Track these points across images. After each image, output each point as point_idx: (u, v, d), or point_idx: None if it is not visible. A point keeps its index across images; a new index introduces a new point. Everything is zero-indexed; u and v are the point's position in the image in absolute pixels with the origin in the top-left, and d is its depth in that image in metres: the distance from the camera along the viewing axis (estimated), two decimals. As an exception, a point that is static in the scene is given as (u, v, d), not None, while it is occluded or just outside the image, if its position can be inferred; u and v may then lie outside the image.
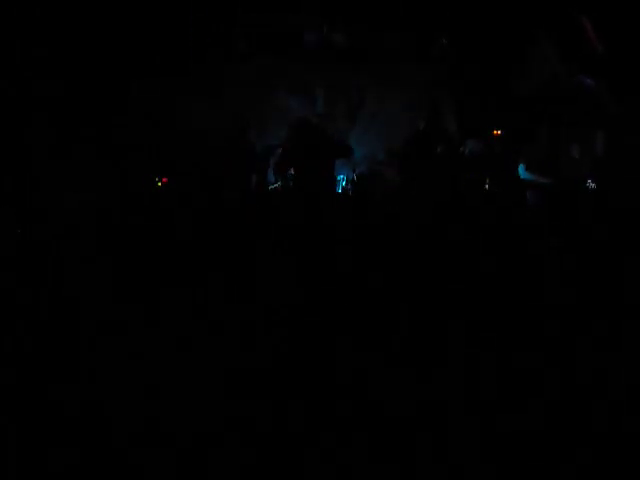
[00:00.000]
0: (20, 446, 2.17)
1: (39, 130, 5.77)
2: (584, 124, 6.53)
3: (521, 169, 5.55)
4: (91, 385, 2.62)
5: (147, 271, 4.11)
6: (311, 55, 7.35)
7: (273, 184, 6.27)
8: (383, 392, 2.56)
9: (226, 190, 5.59)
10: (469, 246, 4.65)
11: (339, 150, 5.55)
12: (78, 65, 6.16)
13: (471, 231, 4.99)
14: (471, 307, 3.53)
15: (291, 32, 7.13)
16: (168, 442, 2.21)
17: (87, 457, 2.12)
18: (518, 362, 2.83)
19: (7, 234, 4.68)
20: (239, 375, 2.68)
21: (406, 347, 3.02)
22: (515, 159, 5.75)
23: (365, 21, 7.01)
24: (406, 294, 3.77)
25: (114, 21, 6.03)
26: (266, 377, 2.68)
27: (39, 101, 5.89)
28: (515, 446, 2.17)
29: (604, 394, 2.50)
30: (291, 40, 7.17)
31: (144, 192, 5.81)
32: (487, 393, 2.55)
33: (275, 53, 7.35)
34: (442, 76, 7.30)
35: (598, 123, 6.43)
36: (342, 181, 6.92)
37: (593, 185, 5.69)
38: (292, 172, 5.68)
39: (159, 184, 6.30)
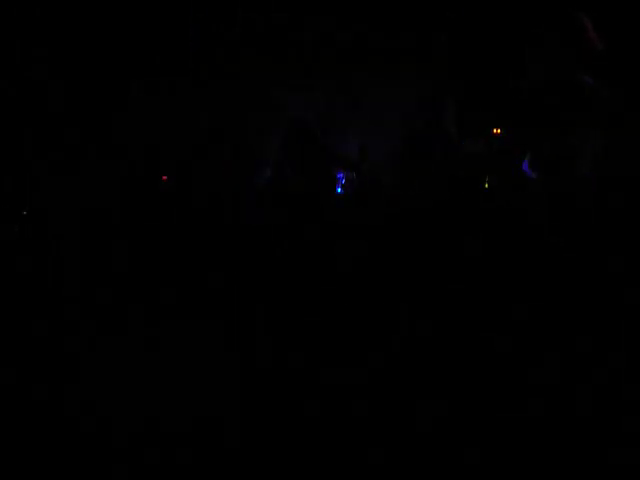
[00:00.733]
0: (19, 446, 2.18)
1: (39, 129, 5.77)
2: (584, 123, 6.52)
3: (525, 166, 5.55)
4: (90, 386, 2.62)
5: (147, 270, 4.11)
6: (310, 52, 7.34)
7: (272, 183, 6.25)
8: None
9: (226, 189, 5.59)
10: (469, 245, 4.65)
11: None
12: (78, 64, 6.15)
13: (470, 230, 4.99)
14: (471, 306, 3.54)
15: (291, 30, 7.12)
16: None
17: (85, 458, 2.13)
18: (517, 361, 2.83)
19: (6, 233, 4.68)
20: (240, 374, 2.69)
21: (406, 347, 3.02)
22: (516, 157, 5.74)
23: (365, 19, 7.00)
24: (406, 293, 3.77)
25: (113, 20, 6.02)
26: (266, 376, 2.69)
27: (38, 100, 5.89)
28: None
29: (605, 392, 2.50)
30: (290, 38, 7.16)
31: (146, 190, 5.80)
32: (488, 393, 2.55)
33: (274, 51, 7.33)
34: (442, 75, 7.29)
35: (598, 122, 6.42)
36: (342, 180, 6.91)
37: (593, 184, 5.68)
38: (290, 171, 5.68)
39: (158, 182, 6.30)
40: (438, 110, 5.80)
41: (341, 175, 6.50)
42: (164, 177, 6.36)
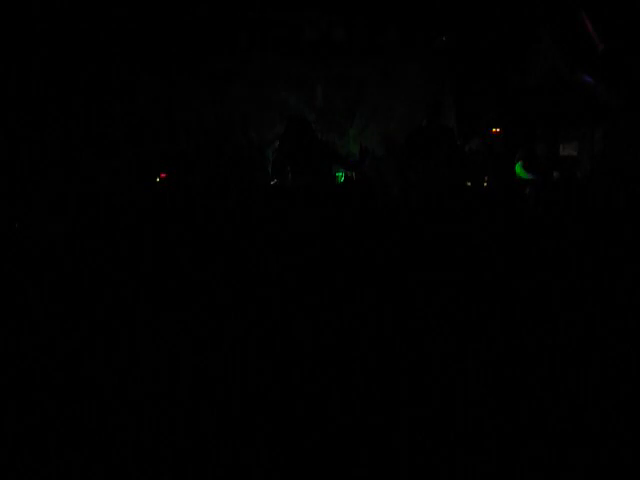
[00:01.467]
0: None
1: (40, 127, 5.77)
2: (583, 121, 6.54)
3: (518, 167, 5.57)
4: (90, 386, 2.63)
5: (147, 269, 4.11)
6: (310, 50, 7.34)
7: (272, 181, 6.26)
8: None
9: (226, 186, 5.59)
10: (468, 243, 4.66)
11: (339, 157, 5.54)
12: (81, 63, 6.15)
13: (470, 228, 4.99)
14: (471, 303, 3.54)
15: (291, 28, 7.12)
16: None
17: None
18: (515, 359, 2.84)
19: (6, 231, 4.68)
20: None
21: (405, 345, 3.03)
22: (513, 157, 5.77)
23: (365, 16, 7.00)
24: (406, 290, 3.78)
25: (117, 20, 6.02)
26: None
27: (41, 99, 5.89)
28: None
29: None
30: (291, 36, 7.16)
31: (146, 187, 5.80)
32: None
33: (275, 49, 7.34)
34: (442, 72, 7.30)
35: (597, 120, 6.44)
36: (340, 178, 6.92)
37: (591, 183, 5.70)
38: (289, 169, 5.67)
39: (157, 179, 6.30)
40: (438, 109, 5.79)
41: (340, 173, 6.50)
42: (162, 174, 6.36)
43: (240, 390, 2.58)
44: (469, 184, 6.04)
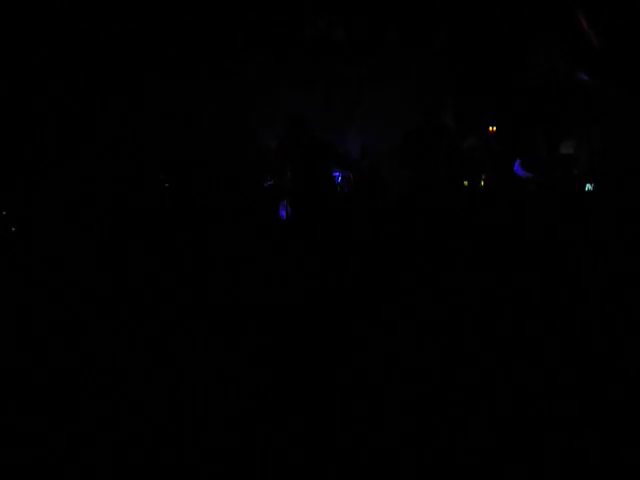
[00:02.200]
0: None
1: (42, 129, 5.76)
2: (582, 121, 6.54)
3: (516, 166, 5.56)
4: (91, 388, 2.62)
5: (147, 268, 4.11)
6: (310, 50, 7.33)
7: (269, 182, 6.25)
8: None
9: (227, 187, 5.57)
10: (466, 242, 4.66)
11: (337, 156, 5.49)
12: (82, 65, 6.14)
13: (469, 227, 5.00)
14: (470, 301, 3.55)
15: (290, 27, 7.11)
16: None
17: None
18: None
19: (5, 232, 4.67)
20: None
21: (405, 344, 3.03)
22: (512, 156, 5.76)
23: (364, 15, 6.99)
24: (405, 287, 3.78)
25: (117, 22, 6.01)
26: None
27: (43, 100, 5.88)
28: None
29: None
30: (290, 35, 7.15)
31: (149, 190, 5.78)
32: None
33: (274, 48, 7.32)
34: (441, 71, 7.29)
35: (596, 119, 6.44)
36: (338, 177, 6.90)
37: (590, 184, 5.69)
38: (288, 169, 5.64)
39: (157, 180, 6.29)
40: (436, 108, 5.79)
41: (338, 173, 6.49)
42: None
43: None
44: (466, 183, 6.04)
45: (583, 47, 5.73)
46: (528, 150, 5.60)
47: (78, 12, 5.84)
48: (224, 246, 4.51)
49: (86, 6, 5.85)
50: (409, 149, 5.74)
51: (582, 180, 5.64)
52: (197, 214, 5.10)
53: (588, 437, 2.17)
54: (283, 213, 5.70)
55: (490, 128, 6.87)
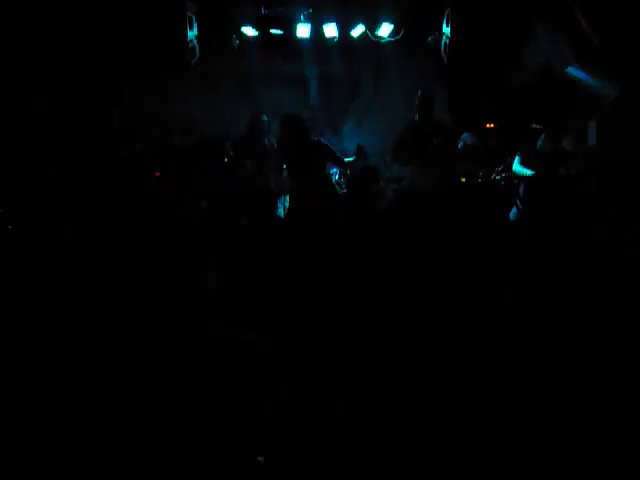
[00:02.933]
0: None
1: (37, 128, 5.75)
2: (578, 116, 6.55)
3: (515, 163, 5.56)
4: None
5: (146, 267, 4.10)
6: (304, 47, 7.31)
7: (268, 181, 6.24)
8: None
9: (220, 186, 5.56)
10: (464, 240, 4.67)
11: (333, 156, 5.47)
12: (76, 64, 6.12)
13: (465, 224, 5.00)
14: (470, 301, 3.56)
15: (284, 24, 7.08)
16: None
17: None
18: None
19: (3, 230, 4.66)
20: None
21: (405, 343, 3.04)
22: (509, 153, 5.76)
23: (359, 11, 6.97)
24: (405, 288, 3.78)
25: (111, 20, 5.98)
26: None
27: (37, 100, 5.86)
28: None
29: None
30: (284, 32, 7.13)
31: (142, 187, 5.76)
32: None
33: (268, 46, 7.30)
34: (436, 68, 7.29)
35: (592, 115, 6.45)
36: (335, 175, 6.88)
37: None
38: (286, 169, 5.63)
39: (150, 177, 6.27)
40: (431, 104, 5.78)
41: (335, 170, 6.48)
42: (157, 173, 6.33)
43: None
44: (463, 180, 6.04)
45: (582, 45, 5.74)
46: (527, 147, 5.60)
47: (77, 12, 5.82)
48: (223, 245, 4.50)
49: (81, 6, 5.83)
50: (405, 147, 5.74)
51: (579, 177, 5.65)
52: (195, 213, 5.09)
53: (588, 437, 2.18)
54: (281, 211, 5.70)
55: (488, 125, 6.87)
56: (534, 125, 5.73)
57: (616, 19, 5.33)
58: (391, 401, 2.52)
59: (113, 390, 2.58)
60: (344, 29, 7.05)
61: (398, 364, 2.84)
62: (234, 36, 7.00)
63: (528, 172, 5.42)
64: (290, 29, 6.97)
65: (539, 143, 5.54)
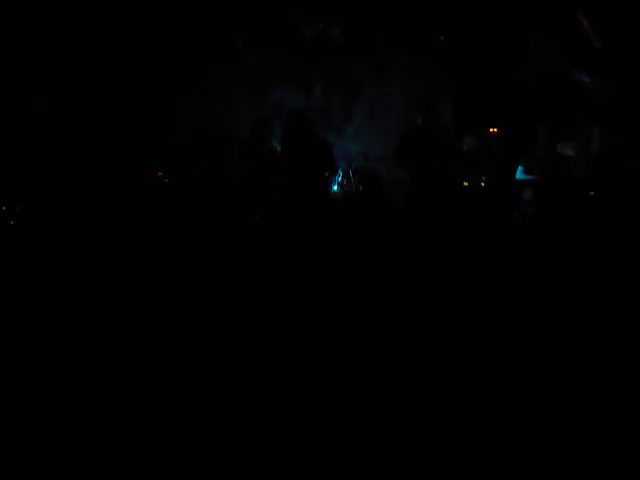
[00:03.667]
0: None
1: (37, 127, 5.75)
2: (580, 121, 6.54)
3: (519, 172, 5.55)
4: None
5: (146, 267, 4.09)
6: (308, 49, 7.32)
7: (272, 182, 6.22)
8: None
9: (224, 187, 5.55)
10: (465, 242, 4.66)
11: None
12: (77, 64, 6.13)
13: (468, 227, 4.99)
14: (470, 302, 3.55)
15: (288, 27, 7.11)
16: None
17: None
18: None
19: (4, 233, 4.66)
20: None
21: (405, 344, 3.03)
22: (513, 159, 5.75)
23: (362, 14, 6.98)
24: (405, 289, 3.78)
25: (113, 19, 5.99)
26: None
27: (37, 100, 5.87)
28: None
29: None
30: (288, 35, 7.15)
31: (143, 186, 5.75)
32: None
33: (272, 48, 7.32)
34: (440, 71, 7.29)
35: (594, 120, 6.44)
36: (338, 177, 6.88)
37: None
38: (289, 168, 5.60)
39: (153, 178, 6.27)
40: (435, 108, 5.78)
41: (339, 173, 6.47)
42: (160, 173, 6.33)
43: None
44: (466, 184, 6.03)
45: (583, 47, 5.73)
46: (530, 152, 5.60)
47: (77, 12, 5.83)
48: (225, 245, 4.49)
49: (84, 5, 5.85)
50: (407, 150, 5.73)
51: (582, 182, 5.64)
52: (198, 213, 5.08)
53: (588, 437, 2.17)
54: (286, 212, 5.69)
55: (490, 129, 6.87)
56: (538, 130, 5.73)
57: (618, 22, 5.33)
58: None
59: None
60: (347, 32, 7.06)
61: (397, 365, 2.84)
62: (237, 37, 7.01)
63: (530, 178, 5.42)
64: (294, 32, 6.99)
65: (538, 149, 5.55)
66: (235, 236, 4.64)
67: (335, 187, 6.65)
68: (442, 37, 6.72)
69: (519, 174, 5.56)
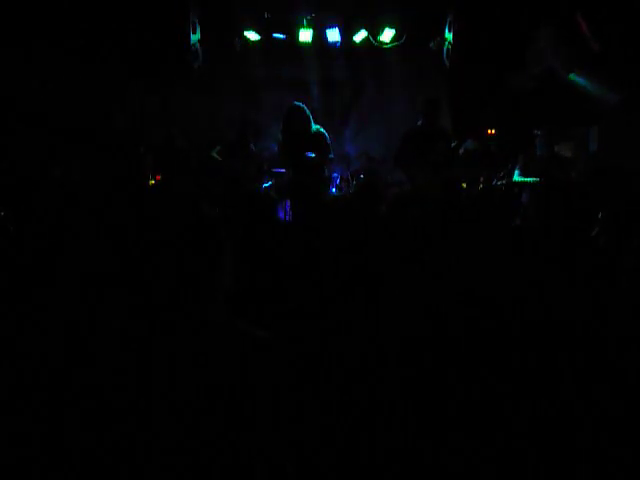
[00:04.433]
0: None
1: (35, 127, 5.75)
2: (578, 122, 6.56)
3: (516, 175, 5.56)
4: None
5: (143, 266, 4.07)
6: (306, 52, 7.33)
7: (269, 182, 6.24)
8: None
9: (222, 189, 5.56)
10: (465, 244, 4.65)
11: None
12: (76, 64, 6.13)
13: (466, 229, 4.98)
14: (468, 305, 3.54)
15: (287, 29, 7.11)
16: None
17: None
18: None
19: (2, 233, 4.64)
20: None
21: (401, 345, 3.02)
22: (511, 161, 5.76)
23: (361, 16, 6.99)
24: (405, 291, 3.76)
25: (113, 21, 6.00)
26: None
27: (37, 100, 5.87)
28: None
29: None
30: (287, 37, 7.16)
31: (138, 188, 5.75)
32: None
33: (271, 50, 7.33)
34: (438, 73, 7.31)
35: (592, 121, 6.46)
36: (336, 179, 6.88)
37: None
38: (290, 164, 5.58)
39: (152, 181, 6.27)
40: (434, 109, 5.77)
41: (336, 174, 6.47)
42: (157, 177, 6.34)
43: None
44: (464, 185, 6.04)
45: (583, 51, 5.75)
46: (527, 154, 5.61)
47: (78, 12, 5.84)
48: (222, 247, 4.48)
49: (85, 6, 5.85)
50: (407, 151, 5.73)
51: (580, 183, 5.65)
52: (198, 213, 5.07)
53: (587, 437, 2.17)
54: (282, 214, 5.69)
55: (489, 131, 6.88)
56: (536, 131, 5.73)
57: (617, 25, 5.35)
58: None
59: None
60: (346, 34, 7.08)
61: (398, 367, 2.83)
62: (237, 40, 7.03)
63: (528, 180, 5.42)
64: (293, 33, 7.00)
65: (537, 150, 5.55)
66: (233, 236, 4.62)
67: (333, 189, 6.66)
68: (440, 39, 6.73)
69: (516, 177, 5.57)
